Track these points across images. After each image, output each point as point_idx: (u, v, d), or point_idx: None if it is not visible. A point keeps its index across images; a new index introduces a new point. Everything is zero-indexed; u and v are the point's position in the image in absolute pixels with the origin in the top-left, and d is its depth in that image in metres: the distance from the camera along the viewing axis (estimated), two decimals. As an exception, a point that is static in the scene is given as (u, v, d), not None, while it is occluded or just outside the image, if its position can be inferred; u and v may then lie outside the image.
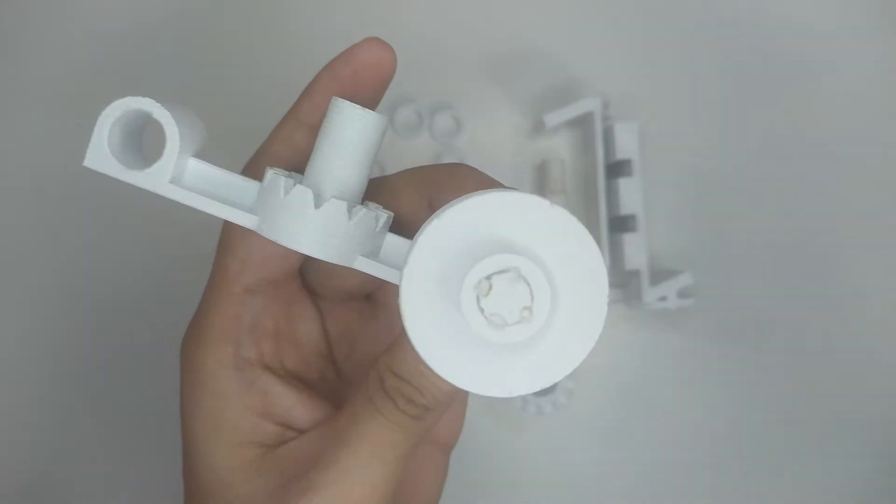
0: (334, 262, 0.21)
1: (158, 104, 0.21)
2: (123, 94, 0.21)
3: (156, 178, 0.21)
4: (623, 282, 0.41)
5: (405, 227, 0.23)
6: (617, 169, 0.39)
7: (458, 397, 0.24)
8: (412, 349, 0.19)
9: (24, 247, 0.40)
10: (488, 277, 0.17)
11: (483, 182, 0.23)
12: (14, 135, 0.40)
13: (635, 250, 0.38)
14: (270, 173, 0.21)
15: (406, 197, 0.24)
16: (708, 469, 0.41)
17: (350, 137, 0.21)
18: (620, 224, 0.39)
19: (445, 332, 0.18)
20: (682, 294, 0.38)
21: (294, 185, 0.20)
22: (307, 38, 0.42)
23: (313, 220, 0.20)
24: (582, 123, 0.41)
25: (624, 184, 0.38)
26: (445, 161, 0.41)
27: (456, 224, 0.18)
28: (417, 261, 0.18)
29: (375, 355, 0.24)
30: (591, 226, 0.40)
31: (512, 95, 0.42)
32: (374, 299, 0.27)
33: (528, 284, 0.17)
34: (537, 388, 0.18)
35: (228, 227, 0.24)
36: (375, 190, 0.24)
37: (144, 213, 0.40)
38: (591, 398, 0.40)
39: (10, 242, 0.40)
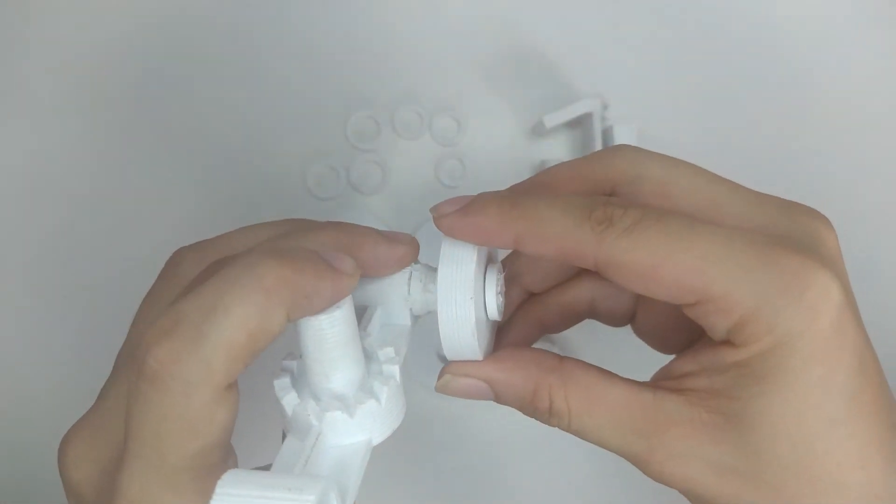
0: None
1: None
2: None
3: None
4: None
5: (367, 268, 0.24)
6: (616, 170, 0.39)
7: None
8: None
9: (23, 247, 0.40)
10: (498, 277, 0.24)
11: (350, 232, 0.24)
12: (15, 136, 0.41)
13: (634, 250, 0.38)
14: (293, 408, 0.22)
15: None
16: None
17: (331, 347, 0.22)
18: (619, 224, 0.39)
19: (471, 327, 0.23)
20: (681, 294, 0.38)
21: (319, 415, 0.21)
22: (309, 36, 0.42)
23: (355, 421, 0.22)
24: (581, 124, 0.41)
25: (623, 184, 0.38)
26: (445, 164, 0.41)
27: (450, 263, 0.23)
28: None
29: None
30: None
31: (512, 96, 0.42)
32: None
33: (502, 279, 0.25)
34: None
35: (184, 412, 0.19)
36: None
37: (145, 213, 0.41)
38: (589, 397, 0.41)
39: (10, 242, 0.40)
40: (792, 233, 0.23)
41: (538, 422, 0.24)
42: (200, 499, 0.20)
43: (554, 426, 0.24)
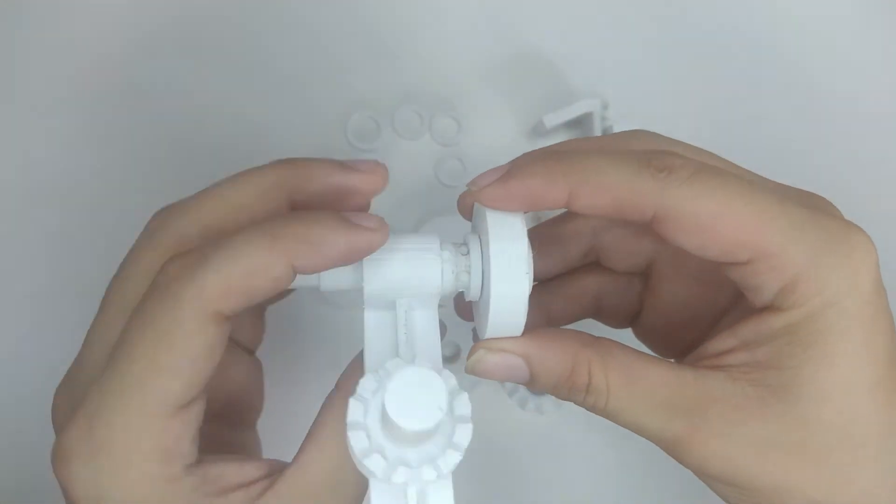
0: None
1: None
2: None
3: None
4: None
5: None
6: (616, 169, 0.39)
7: None
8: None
9: (24, 247, 0.40)
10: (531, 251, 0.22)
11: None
12: (14, 135, 0.41)
13: (634, 250, 0.38)
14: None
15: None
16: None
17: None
18: (619, 224, 0.39)
19: (525, 305, 0.22)
20: (681, 294, 0.38)
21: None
22: (309, 35, 0.42)
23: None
24: (581, 124, 0.41)
25: (623, 184, 0.38)
26: (445, 164, 0.41)
27: (502, 237, 0.22)
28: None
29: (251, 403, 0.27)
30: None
31: (512, 96, 0.42)
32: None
33: None
34: None
35: (169, 342, 0.21)
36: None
37: (145, 213, 0.41)
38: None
39: (10, 243, 0.40)
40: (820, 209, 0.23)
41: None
42: (147, 423, 0.21)
43: (589, 406, 0.23)
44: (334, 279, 0.23)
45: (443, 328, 0.24)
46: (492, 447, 0.40)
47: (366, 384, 0.20)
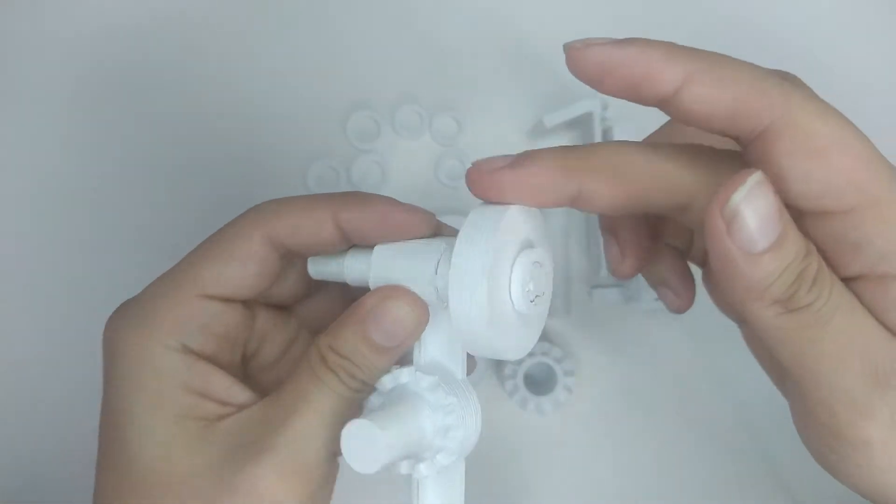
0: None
1: None
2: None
3: None
4: (621, 282, 0.41)
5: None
6: (616, 169, 0.39)
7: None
8: (352, 331, 0.23)
9: (25, 246, 0.40)
10: (532, 265, 0.21)
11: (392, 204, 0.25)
12: (15, 134, 0.41)
13: (634, 250, 0.38)
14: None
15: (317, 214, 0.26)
16: (706, 465, 0.41)
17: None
18: (619, 224, 0.39)
19: (483, 313, 0.20)
20: (680, 294, 0.38)
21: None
22: (309, 35, 0.42)
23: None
24: (581, 124, 0.41)
25: (622, 184, 0.38)
26: (445, 164, 0.41)
27: (489, 225, 0.21)
28: (462, 254, 0.21)
29: (276, 356, 0.29)
30: (590, 226, 0.40)
31: (512, 96, 0.42)
32: (287, 310, 0.30)
33: (546, 273, 0.22)
34: (527, 352, 0.23)
35: (222, 239, 0.26)
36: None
37: (146, 212, 0.41)
38: (590, 396, 0.41)
39: (11, 241, 0.40)
40: None
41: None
42: (175, 295, 0.25)
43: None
44: (357, 269, 0.25)
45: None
46: (492, 447, 0.40)
47: (385, 381, 0.24)
